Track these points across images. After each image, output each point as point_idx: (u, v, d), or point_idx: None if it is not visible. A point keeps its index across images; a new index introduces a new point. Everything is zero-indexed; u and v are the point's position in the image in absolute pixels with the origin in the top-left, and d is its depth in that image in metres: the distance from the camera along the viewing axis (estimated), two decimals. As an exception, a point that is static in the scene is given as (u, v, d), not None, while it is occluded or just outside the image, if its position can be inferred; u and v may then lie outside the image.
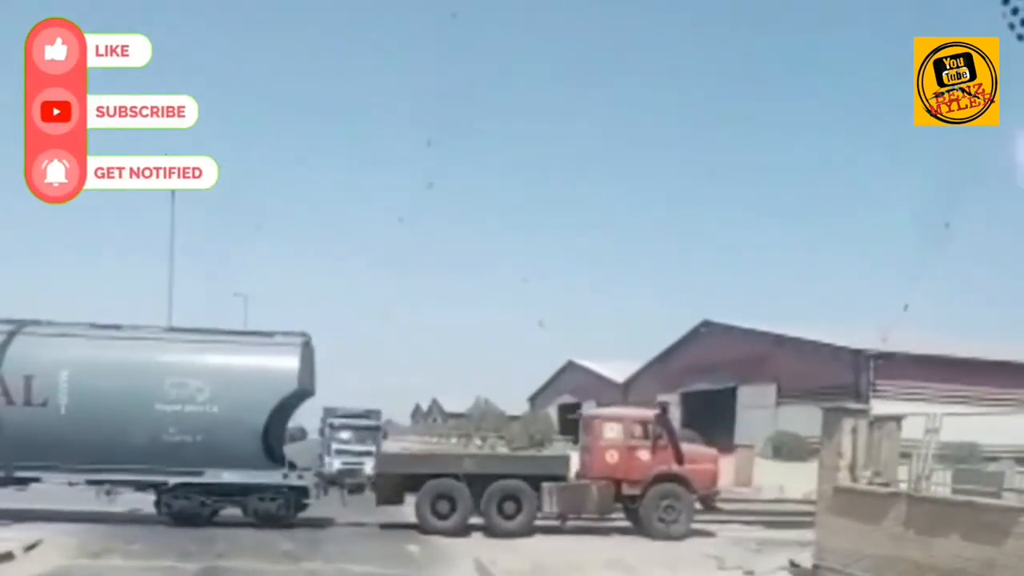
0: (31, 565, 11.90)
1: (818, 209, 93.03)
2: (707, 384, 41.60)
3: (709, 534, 16.75)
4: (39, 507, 15.91)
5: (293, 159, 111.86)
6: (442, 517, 16.10)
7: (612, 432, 16.79)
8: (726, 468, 28.15)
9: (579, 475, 16.92)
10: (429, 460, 19.59)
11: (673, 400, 44.92)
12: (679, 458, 16.63)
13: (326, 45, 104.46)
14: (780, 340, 36.65)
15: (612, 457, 16.57)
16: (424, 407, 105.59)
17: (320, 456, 27.23)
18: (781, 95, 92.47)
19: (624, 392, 49.01)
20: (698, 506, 16.84)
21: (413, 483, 16.41)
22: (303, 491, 16.67)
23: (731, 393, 39.59)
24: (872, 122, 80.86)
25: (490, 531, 16.03)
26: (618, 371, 51.12)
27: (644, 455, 16.54)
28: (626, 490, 16.45)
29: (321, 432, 30.63)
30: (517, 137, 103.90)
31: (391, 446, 34.51)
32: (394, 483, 16.68)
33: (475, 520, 16.29)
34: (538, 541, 15.57)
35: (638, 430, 16.76)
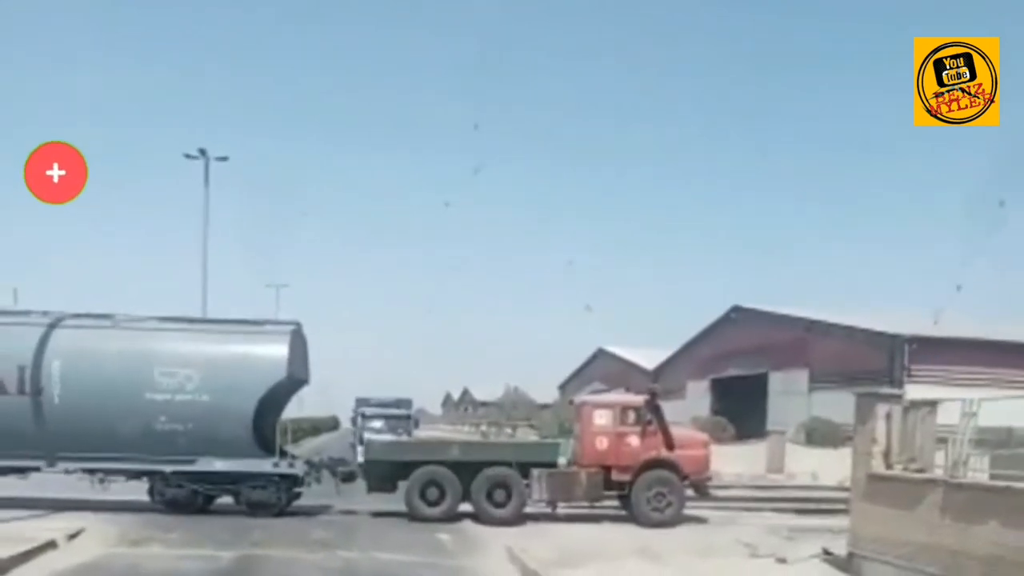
0: (74, 554, 12.09)
1: (852, 192, 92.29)
2: (738, 370, 41.33)
3: (701, 519, 16.77)
4: (78, 497, 16.20)
5: (336, 148, 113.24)
6: (431, 504, 16.20)
7: (601, 418, 16.73)
8: (759, 455, 28.11)
9: (571, 462, 16.89)
10: (417, 447, 19.65)
11: (704, 386, 44.81)
12: (669, 444, 16.53)
13: (371, 31, 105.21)
14: (812, 325, 36.29)
15: (602, 443, 16.52)
16: (455, 396, 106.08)
17: (352, 445, 27.50)
18: (819, 75, 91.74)
19: (654, 379, 48.79)
20: (691, 493, 16.75)
21: (404, 471, 16.49)
22: (294, 479, 16.80)
23: (763, 379, 39.29)
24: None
25: (479, 518, 16.08)
26: (648, 358, 50.96)
27: (633, 441, 16.47)
28: (616, 476, 16.40)
29: (353, 421, 30.96)
30: (556, 124, 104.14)
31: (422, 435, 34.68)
32: (384, 471, 16.77)
33: (467, 507, 16.41)
34: (568, 528, 15.62)
35: (628, 416, 16.67)
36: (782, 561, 11.95)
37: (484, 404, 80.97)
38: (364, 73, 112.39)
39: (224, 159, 33.11)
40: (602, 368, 58.03)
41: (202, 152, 32.43)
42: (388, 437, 26.54)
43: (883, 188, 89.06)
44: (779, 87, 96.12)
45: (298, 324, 17.74)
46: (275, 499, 16.56)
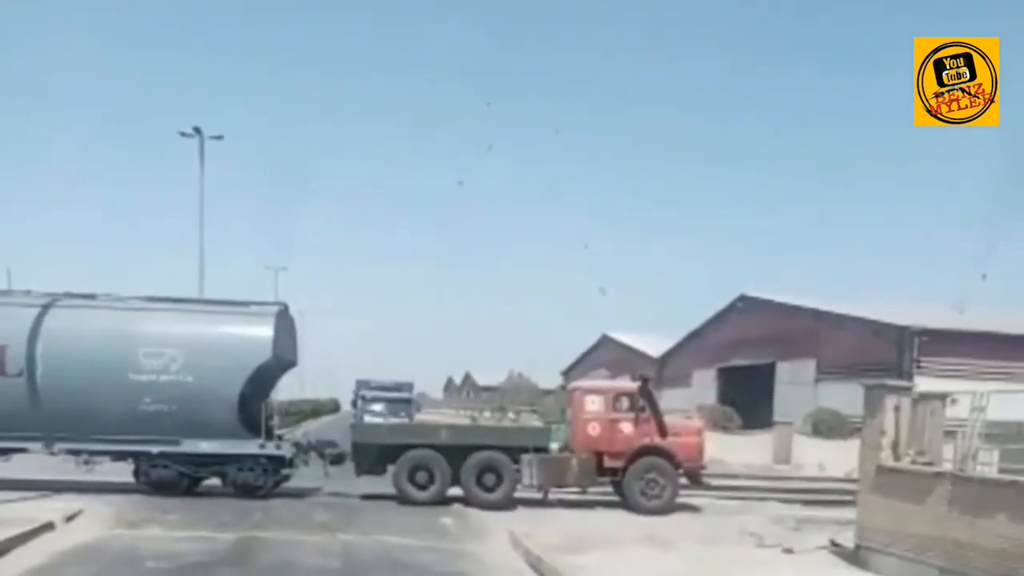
0: (72, 535, 12.06)
1: (868, 181, 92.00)
2: (745, 359, 41.11)
3: (705, 508, 16.66)
4: (69, 479, 16.15)
5: (344, 129, 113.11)
6: (421, 487, 16.17)
7: (594, 404, 16.65)
8: (765, 445, 27.99)
9: (563, 447, 16.80)
10: (406, 431, 19.55)
11: (710, 375, 44.62)
12: (662, 431, 16.44)
13: (378, 9, 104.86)
14: (819, 315, 36.05)
15: (594, 429, 16.43)
16: (457, 380, 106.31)
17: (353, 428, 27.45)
18: (830, 63, 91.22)
19: (660, 367, 48.65)
20: (684, 481, 16.64)
21: (393, 454, 16.42)
22: (281, 461, 16.72)
23: (769, 369, 39.09)
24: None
25: (469, 502, 16.04)
26: (653, 345, 50.78)
27: (626, 428, 16.38)
28: (608, 463, 16.33)
29: (354, 404, 30.93)
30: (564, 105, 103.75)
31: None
32: (373, 454, 16.67)
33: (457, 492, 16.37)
34: (566, 514, 15.57)
35: (620, 403, 16.59)
36: (789, 552, 11.85)
37: (486, 389, 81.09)
38: (372, 52, 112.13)
39: (219, 138, 32.87)
40: (606, 354, 57.90)
41: (197, 130, 32.22)
42: (401, 419, 26.52)
43: (900, 177, 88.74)
44: (793, 73, 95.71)
45: (284, 305, 17.68)
46: (262, 481, 16.51)
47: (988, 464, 10.09)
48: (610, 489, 16.89)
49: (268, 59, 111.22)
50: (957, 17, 68.26)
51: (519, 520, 14.51)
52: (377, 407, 28.56)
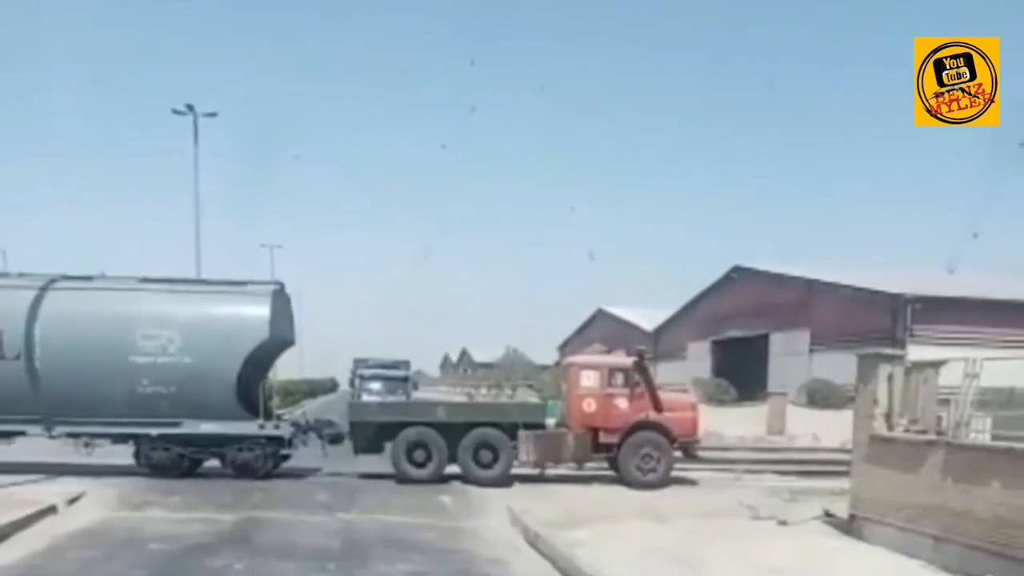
0: (74, 518, 12.10)
1: (863, 147, 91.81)
2: (739, 331, 41.29)
3: (699, 480, 16.70)
4: (72, 461, 16.16)
5: (329, 100, 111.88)
6: (418, 466, 16.23)
7: (589, 380, 16.68)
8: (759, 417, 28.16)
9: (559, 423, 16.88)
10: (403, 409, 19.58)
11: (705, 348, 44.82)
12: (657, 406, 16.51)
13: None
14: (813, 285, 36.15)
15: (589, 405, 16.51)
16: (454, 357, 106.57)
17: (349, 406, 27.50)
18: (823, 29, 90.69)
19: (655, 340, 48.86)
20: (678, 455, 16.73)
21: (390, 432, 16.45)
22: (281, 441, 16.74)
23: (763, 340, 39.26)
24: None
25: (466, 479, 16.11)
26: (648, 318, 50.96)
27: (621, 403, 16.45)
28: (603, 438, 16.41)
29: (351, 383, 30.97)
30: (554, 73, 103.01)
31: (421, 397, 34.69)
32: (370, 432, 16.69)
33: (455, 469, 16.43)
34: (564, 490, 15.64)
35: (615, 378, 16.65)
36: (783, 523, 11.96)
37: (483, 366, 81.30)
38: (354, 13, 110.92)
39: (213, 115, 32.67)
40: (602, 329, 58.06)
41: (190, 108, 32.01)
42: (399, 397, 26.54)
43: (893, 143, 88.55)
44: (782, 41, 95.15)
45: (280, 284, 17.63)
46: (261, 462, 16.54)
47: (981, 431, 10.14)
48: (606, 464, 17.04)
49: (246, 29, 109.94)
50: (957, 17, 68.04)
51: (517, 497, 14.58)
52: (374, 385, 28.60)
